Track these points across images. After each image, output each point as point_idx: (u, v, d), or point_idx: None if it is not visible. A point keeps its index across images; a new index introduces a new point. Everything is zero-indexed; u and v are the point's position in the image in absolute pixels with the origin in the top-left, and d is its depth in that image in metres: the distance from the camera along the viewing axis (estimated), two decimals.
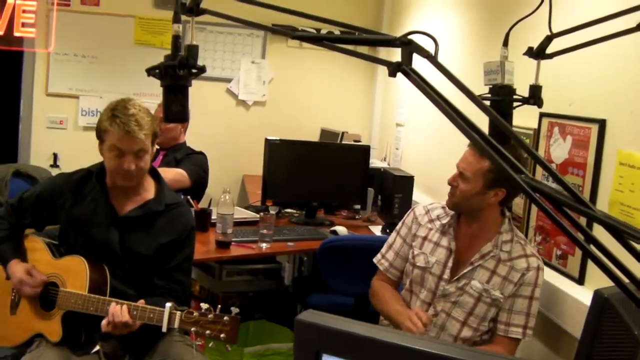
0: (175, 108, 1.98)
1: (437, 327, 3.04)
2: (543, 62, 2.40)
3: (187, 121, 2.24)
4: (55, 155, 6.47)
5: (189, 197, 4.47)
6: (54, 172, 5.86)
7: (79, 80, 6.43)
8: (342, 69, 6.95)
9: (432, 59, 1.30)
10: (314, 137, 6.77)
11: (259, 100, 6.89)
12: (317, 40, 1.43)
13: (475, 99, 1.27)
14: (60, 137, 6.47)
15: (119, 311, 2.77)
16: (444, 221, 3.14)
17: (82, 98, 6.46)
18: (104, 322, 2.80)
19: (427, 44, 1.42)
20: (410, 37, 1.39)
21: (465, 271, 3.00)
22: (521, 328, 2.92)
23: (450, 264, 3.05)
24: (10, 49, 6.22)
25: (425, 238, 3.17)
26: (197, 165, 4.86)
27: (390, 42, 1.38)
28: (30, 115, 6.42)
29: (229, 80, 6.79)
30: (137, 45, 6.47)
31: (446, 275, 3.04)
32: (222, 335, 2.67)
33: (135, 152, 2.97)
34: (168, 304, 2.74)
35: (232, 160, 6.69)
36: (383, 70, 6.89)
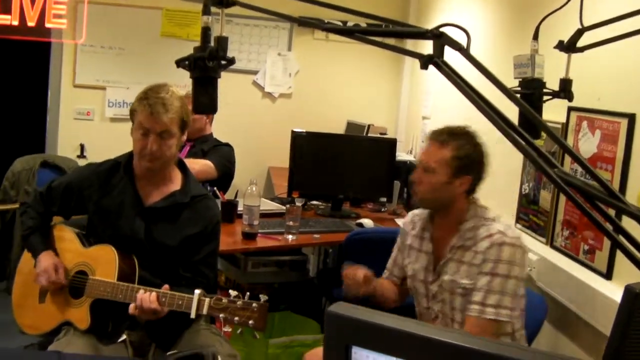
0: (204, 99, 1.99)
1: None
2: (573, 55, 2.39)
3: (215, 112, 2.25)
4: (82, 146, 6.51)
5: (215, 188, 4.48)
6: (81, 162, 5.90)
7: (106, 71, 6.46)
8: (369, 61, 6.93)
9: (464, 51, 1.30)
10: (340, 129, 6.76)
11: (285, 92, 6.89)
12: (348, 32, 1.43)
13: (508, 92, 1.26)
14: (88, 128, 6.51)
15: (147, 298, 2.78)
16: (419, 225, 3.13)
17: (109, 89, 6.49)
18: (131, 306, 2.81)
19: (457, 36, 1.41)
20: (441, 29, 1.38)
21: (438, 269, 2.99)
22: (478, 305, 2.79)
23: (431, 266, 3.03)
24: (41, 40, 6.26)
25: (410, 246, 3.17)
26: (223, 156, 4.88)
27: (421, 35, 1.37)
28: (57, 107, 6.46)
29: (255, 73, 6.80)
30: (163, 37, 6.49)
31: (430, 278, 3.02)
32: (250, 322, 2.66)
33: (159, 133, 2.98)
34: (197, 291, 2.74)
35: (258, 151, 6.70)
36: (409, 62, 6.86)
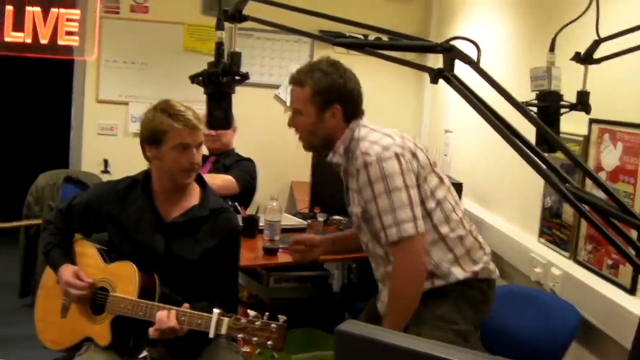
0: (218, 115, 1.98)
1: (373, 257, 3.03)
2: (591, 67, 2.36)
3: (229, 128, 2.24)
4: (105, 162, 6.54)
5: (236, 203, 4.48)
6: (105, 178, 5.94)
7: (129, 86, 6.50)
8: (390, 74, 6.89)
9: (474, 65, 1.29)
10: None
11: None
12: (358, 47, 1.42)
13: (519, 106, 1.24)
14: (111, 144, 6.54)
15: (165, 317, 2.78)
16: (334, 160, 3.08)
17: (132, 104, 6.52)
18: (151, 329, 2.81)
19: (471, 50, 1.40)
20: (453, 42, 1.37)
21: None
22: (381, 232, 2.77)
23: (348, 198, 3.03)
24: (55, 57, 6.31)
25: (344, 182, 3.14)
26: (245, 171, 4.88)
27: (431, 48, 1.37)
28: (81, 122, 6.50)
29: (277, 87, 6.80)
30: (186, 52, 6.52)
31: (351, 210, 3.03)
32: (269, 343, 2.65)
33: (197, 144, 3.03)
34: (216, 310, 2.73)
35: (280, 166, 6.68)
36: None
